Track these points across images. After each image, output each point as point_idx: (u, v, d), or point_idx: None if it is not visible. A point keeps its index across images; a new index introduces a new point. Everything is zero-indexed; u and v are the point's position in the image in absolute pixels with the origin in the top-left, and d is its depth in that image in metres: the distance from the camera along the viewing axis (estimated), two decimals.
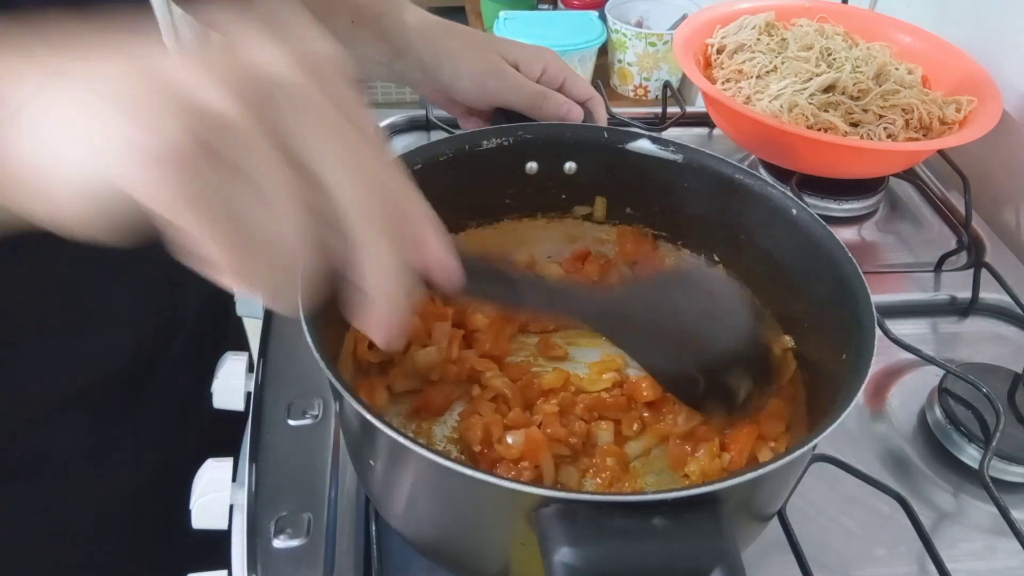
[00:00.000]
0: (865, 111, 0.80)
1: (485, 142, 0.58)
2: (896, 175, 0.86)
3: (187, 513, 0.53)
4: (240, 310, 0.69)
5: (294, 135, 0.29)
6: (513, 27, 1.48)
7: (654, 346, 0.49)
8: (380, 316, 0.32)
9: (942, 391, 0.61)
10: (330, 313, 0.49)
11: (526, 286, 0.43)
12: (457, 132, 0.59)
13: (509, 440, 0.50)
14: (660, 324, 0.49)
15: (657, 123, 0.90)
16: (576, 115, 0.65)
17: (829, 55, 0.86)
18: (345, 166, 0.29)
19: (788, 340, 0.55)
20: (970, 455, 0.58)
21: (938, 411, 0.61)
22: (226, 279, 0.29)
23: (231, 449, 0.57)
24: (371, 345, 0.55)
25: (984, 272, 0.73)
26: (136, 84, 0.28)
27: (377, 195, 0.30)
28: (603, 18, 1.54)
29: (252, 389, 0.60)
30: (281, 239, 0.29)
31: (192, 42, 0.30)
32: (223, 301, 0.83)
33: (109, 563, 0.70)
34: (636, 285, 0.54)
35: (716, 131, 0.93)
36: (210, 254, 0.28)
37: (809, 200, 0.81)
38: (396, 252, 0.31)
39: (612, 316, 0.48)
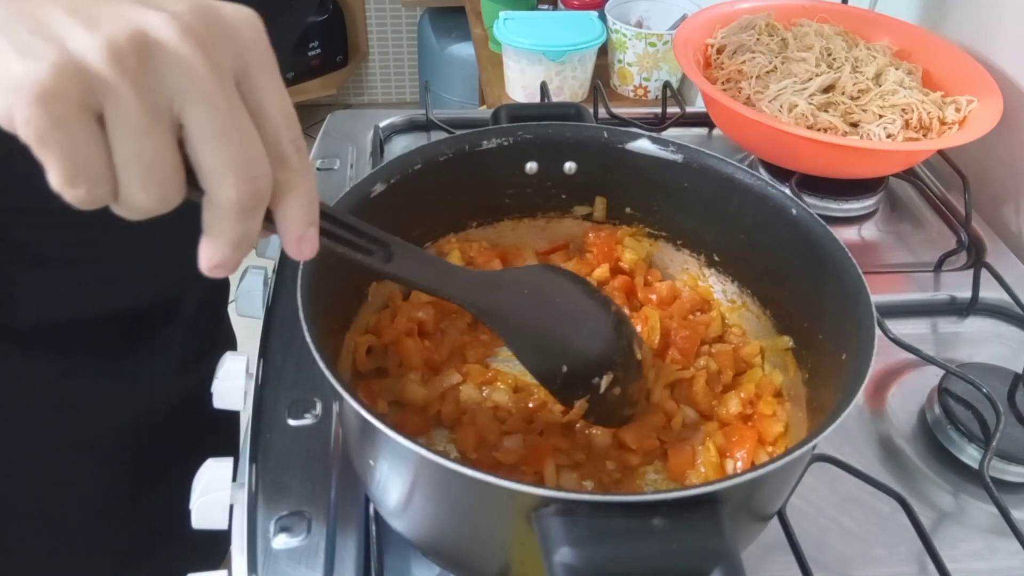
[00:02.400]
0: (864, 111, 0.80)
1: (485, 142, 0.58)
2: (896, 175, 0.86)
3: (187, 513, 0.53)
4: (240, 310, 0.69)
5: (169, 96, 0.30)
6: (513, 27, 1.48)
7: (525, 336, 0.49)
8: (211, 250, 0.33)
9: (942, 391, 0.61)
10: (330, 314, 0.49)
11: (400, 252, 0.42)
12: (457, 132, 0.59)
13: (507, 445, 0.50)
14: (531, 314, 0.50)
15: (657, 123, 0.90)
16: None
17: (829, 55, 0.86)
18: (210, 134, 0.30)
19: (788, 340, 0.55)
20: (970, 455, 0.58)
21: (938, 411, 0.60)
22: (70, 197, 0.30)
23: (231, 449, 0.57)
24: (369, 351, 0.55)
25: (984, 272, 0.73)
26: (22, 20, 0.29)
27: (241, 173, 0.31)
28: (603, 18, 1.53)
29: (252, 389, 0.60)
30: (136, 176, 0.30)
31: None
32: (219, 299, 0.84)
33: (110, 564, 0.70)
34: (509, 273, 0.53)
35: (716, 131, 0.93)
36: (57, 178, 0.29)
37: (809, 200, 0.81)
38: (242, 220, 0.32)
39: (490, 301, 0.47)
